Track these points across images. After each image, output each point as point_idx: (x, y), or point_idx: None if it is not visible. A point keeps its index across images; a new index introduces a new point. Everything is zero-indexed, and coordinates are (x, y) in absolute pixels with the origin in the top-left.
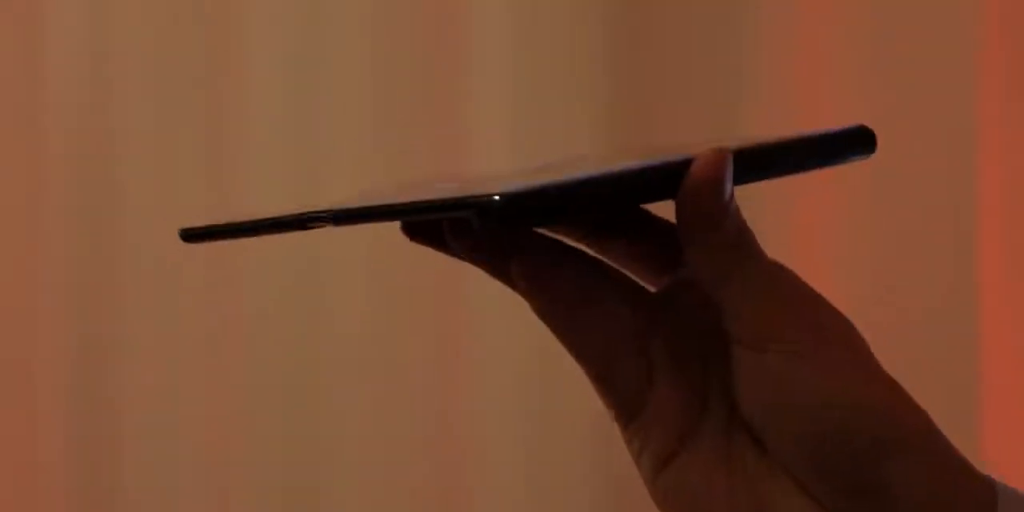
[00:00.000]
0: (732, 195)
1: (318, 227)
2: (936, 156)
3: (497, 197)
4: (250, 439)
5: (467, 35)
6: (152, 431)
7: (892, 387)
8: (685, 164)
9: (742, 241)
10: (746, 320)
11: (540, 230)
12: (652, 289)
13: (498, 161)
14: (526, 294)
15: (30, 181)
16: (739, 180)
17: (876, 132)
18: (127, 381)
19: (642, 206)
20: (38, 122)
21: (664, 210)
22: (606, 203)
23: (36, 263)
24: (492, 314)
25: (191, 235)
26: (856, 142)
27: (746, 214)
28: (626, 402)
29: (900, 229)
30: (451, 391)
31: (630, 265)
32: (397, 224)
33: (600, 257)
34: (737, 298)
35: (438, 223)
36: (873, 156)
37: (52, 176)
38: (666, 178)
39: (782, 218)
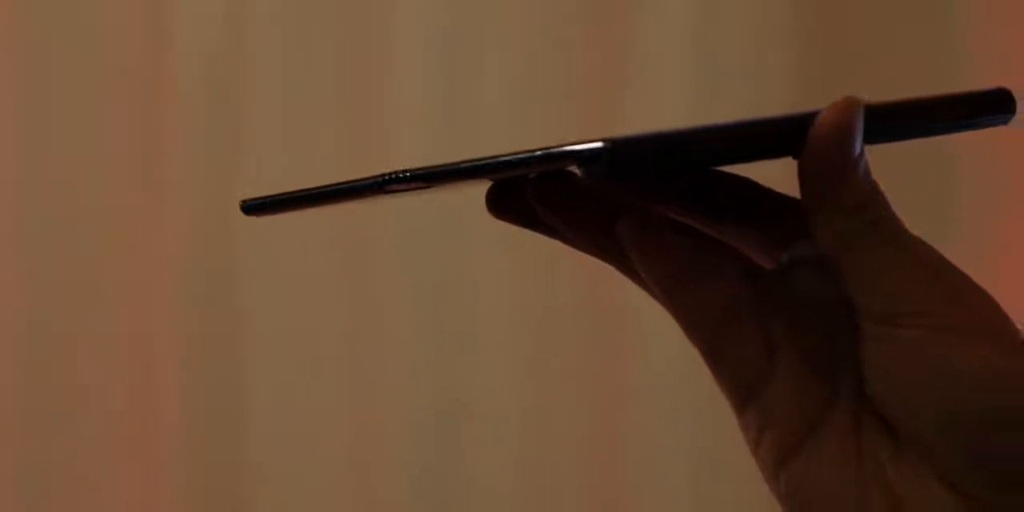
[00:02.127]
0: (863, 151)
1: (400, 191)
2: None
3: (602, 144)
4: (390, 454)
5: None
6: (282, 439)
7: None
8: (811, 117)
9: (873, 202)
10: (877, 291)
11: (647, 204)
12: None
13: None
14: (636, 259)
15: (156, 176)
16: (867, 139)
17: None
18: (255, 393)
19: (758, 183)
20: (164, 121)
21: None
22: (720, 155)
23: (161, 266)
24: (649, 323)
25: (252, 207)
26: (993, 106)
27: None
28: (741, 384)
29: None
30: (605, 399)
31: (743, 243)
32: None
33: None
34: (866, 267)
35: (518, 199)
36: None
37: (177, 172)
38: (789, 131)
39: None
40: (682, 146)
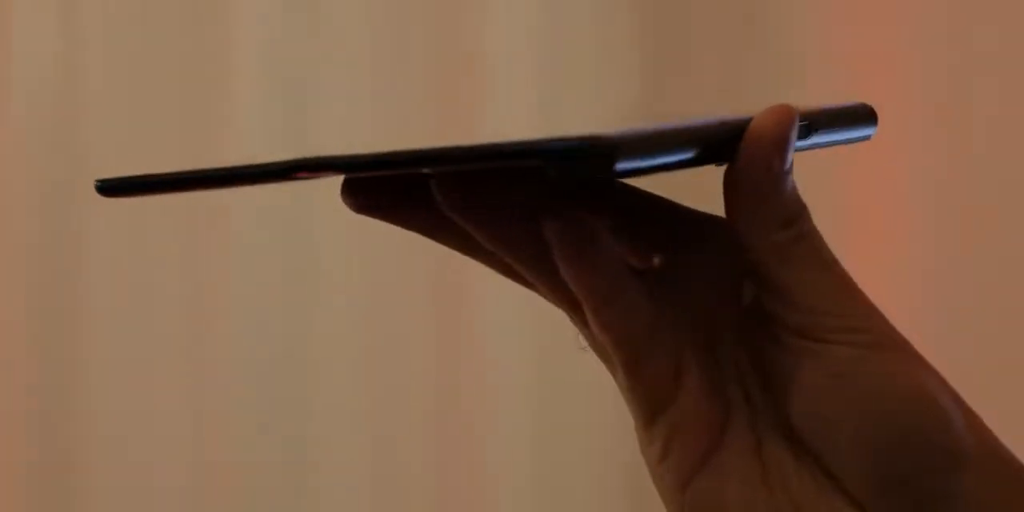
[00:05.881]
0: (792, 162)
1: (308, 178)
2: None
3: (587, 141)
4: (232, 448)
5: (486, 18)
6: (126, 441)
7: (956, 395)
8: (742, 124)
9: (800, 215)
10: (807, 306)
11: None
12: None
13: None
14: (564, 270)
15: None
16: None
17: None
18: (97, 390)
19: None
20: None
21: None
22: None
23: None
24: (497, 314)
25: (108, 188)
26: (862, 119)
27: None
28: (654, 397)
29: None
30: (452, 392)
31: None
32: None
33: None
34: (795, 281)
35: (390, 188)
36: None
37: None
38: (721, 138)
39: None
40: (677, 142)
